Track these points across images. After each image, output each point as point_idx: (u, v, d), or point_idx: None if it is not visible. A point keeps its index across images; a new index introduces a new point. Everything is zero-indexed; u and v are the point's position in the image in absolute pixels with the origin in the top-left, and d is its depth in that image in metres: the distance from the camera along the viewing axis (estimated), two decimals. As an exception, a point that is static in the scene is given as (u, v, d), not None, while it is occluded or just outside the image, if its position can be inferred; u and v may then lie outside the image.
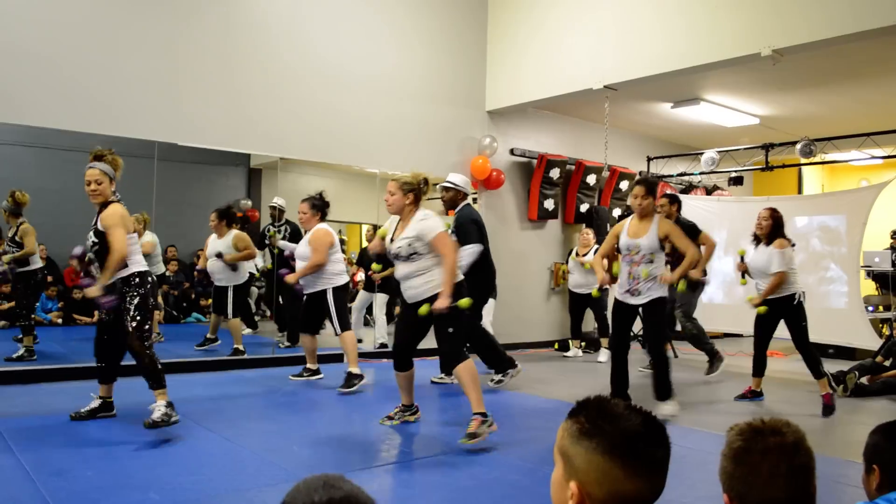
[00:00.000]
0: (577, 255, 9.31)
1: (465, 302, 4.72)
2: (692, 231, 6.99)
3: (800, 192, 13.78)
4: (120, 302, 4.71)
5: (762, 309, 6.27)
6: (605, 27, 8.38)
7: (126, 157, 6.75)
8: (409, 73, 9.29)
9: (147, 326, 4.72)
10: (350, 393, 6.33)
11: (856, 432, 5.57)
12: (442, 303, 4.59)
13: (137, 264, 4.81)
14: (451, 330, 4.73)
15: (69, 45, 6.81)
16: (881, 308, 10.77)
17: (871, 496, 1.97)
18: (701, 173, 10.77)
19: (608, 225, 10.58)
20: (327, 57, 8.50)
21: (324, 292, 6.57)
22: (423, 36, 9.46)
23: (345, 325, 6.58)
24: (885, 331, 10.18)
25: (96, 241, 4.77)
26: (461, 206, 6.77)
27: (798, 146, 9.14)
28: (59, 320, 10.04)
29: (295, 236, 8.80)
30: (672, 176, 11.42)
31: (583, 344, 9.69)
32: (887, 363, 7.34)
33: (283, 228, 8.92)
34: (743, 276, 6.62)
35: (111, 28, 7.05)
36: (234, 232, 7.87)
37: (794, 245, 6.43)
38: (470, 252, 6.45)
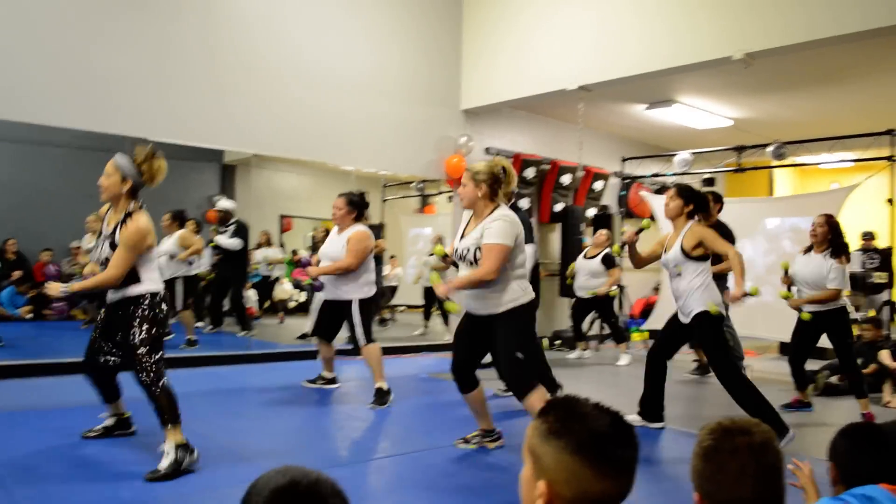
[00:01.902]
0: (584, 257, 9.07)
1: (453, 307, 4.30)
2: (729, 240, 6.32)
3: (771, 193, 13.92)
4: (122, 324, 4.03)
5: (807, 315, 5.86)
6: (580, 28, 8.41)
7: (94, 151, 6.71)
8: (384, 71, 9.26)
9: (159, 357, 3.98)
10: (380, 407, 5.80)
11: (825, 431, 5.62)
12: (443, 289, 4.20)
13: (151, 282, 4.06)
14: (519, 355, 4.18)
15: (40, 39, 6.71)
16: (852, 309, 10.88)
17: (831, 493, 2.02)
18: (674, 174, 10.84)
19: (582, 225, 10.63)
20: (303, 54, 8.46)
21: (349, 303, 5.90)
22: (399, 34, 9.44)
23: (369, 338, 5.91)
24: (856, 331, 10.28)
25: (110, 258, 4.01)
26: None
27: (770, 149, 9.23)
28: (30, 315, 9.93)
29: (240, 233, 8.84)
30: (646, 177, 11.48)
31: (585, 345, 9.44)
32: (859, 362, 7.40)
33: (229, 228, 8.99)
34: (788, 289, 6.14)
35: (84, 23, 6.96)
36: (178, 232, 8.14)
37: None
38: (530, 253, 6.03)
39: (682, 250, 4.95)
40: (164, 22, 7.44)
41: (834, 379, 7.09)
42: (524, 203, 10.69)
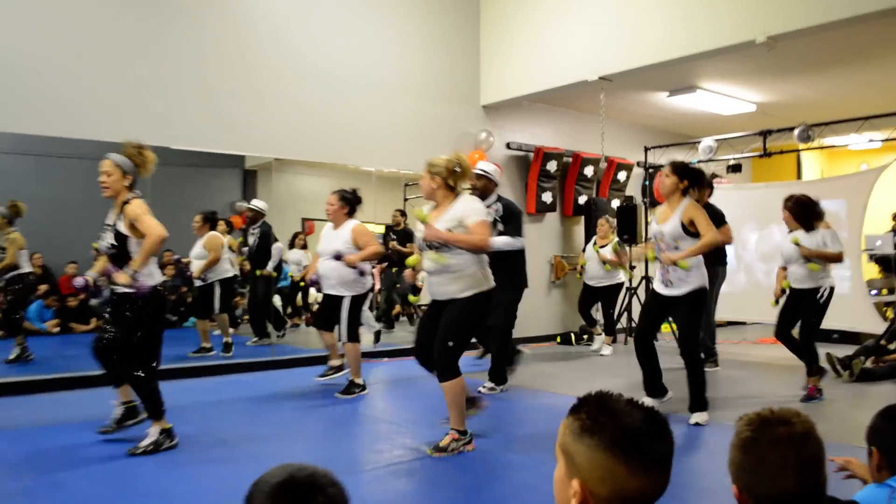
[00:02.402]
0: (594, 244, 9.22)
1: (412, 260, 4.69)
2: (718, 220, 6.76)
3: (799, 177, 13.76)
4: (121, 315, 4.32)
5: (785, 283, 6.23)
6: (599, 18, 8.36)
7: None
8: (403, 70, 9.26)
9: (150, 350, 4.37)
10: (346, 398, 6.18)
11: (863, 417, 5.52)
12: (433, 232, 4.37)
13: (150, 277, 4.36)
14: (451, 344, 4.40)
15: (62, 52, 6.79)
16: (885, 291, 10.75)
17: (873, 479, 1.98)
18: (699, 161, 10.73)
19: (606, 216, 10.56)
20: (320, 56, 8.47)
21: (340, 299, 6.22)
22: (416, 32, 9.43)
23: (352, 336, 6.22)
24: (889, 314, 10.15)
25: (115, 243, 4.36)
26: (496, 196, 6.54)
27: (796, 132, 9.11)
28: (56, 329, 10.02)
29: (265, 238, 8.87)
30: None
31: (599, 331, 9.55)
32: (892, 346, 7.31)
33: (255, 231, 8.98)
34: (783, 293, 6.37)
35: (104, 34, 7.03)
36: (209, 234, 8.18)
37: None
38: (517, 243, 6.38)
39: (682, 224, 5.14)
40: (184, 29, 7.49)
41: (869, 363, 7.00)
42: (547, 197, 10.65)
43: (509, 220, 6.39)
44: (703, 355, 7.33)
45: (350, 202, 6.31)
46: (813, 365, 6.05)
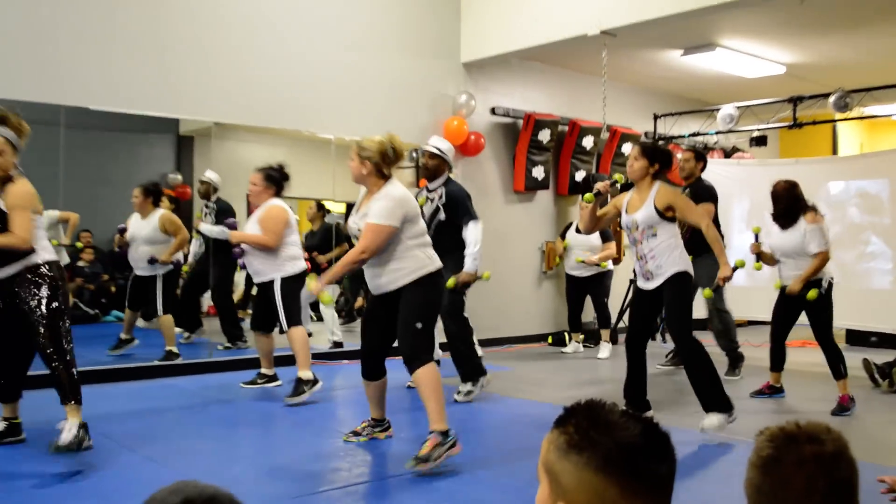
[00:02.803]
0: (577, 230, 9.20)
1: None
2: (707, 196, 7.26)
3: (834, 152, 13.85)
4: (22, 297, 4.52)
5: (814, 293, 6.21)
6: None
7: (28, 124, 6.68)
8: (367, 19, 9.21)
9: (62, 324, 4.56)
10: (298, 403, 6.21)
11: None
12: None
13: (46, 251, 4.63)
14: (419, 325, 4.66)
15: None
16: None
17: None
18: (718, 132, 10.78)
19: (608, 196, 10.55)
20: (271, 3, 8.39)
21: (271, 283, 6.48)
22: (384, -27, 9.38)
23: (292, 320, 6.46)
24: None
25: None
26: (445, 179, 6.65)
27: (831, 99, 9.16)
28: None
29: (223, 216, 8.73)
30: (683, 136, 11.42)
31: (582, 337, 9.71)
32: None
33: (210, 207, 8.85)
34: (758, 260, 6.65)
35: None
36: (160, 212, 7.87)
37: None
38: (480, 231, 6.48)
39: (657, 209, 5.38)
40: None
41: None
42: (538, 172, 10.65)
43: (454, 210, 6.53)
44: (729, 359, 7.66)
45: (277, 181, 6.66)
46: (839, 366, 6.19)
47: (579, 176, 11.11)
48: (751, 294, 9.98)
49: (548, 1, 8.88)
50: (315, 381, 6.41)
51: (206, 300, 9.56)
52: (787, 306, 6.47)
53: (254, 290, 9.18)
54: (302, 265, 6.67)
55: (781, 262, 6.50)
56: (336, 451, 5.04)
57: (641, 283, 5.63)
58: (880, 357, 7.41)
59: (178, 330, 8.65)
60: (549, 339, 10.44)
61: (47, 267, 4.57)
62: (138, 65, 7.55)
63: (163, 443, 5.06)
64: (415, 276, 4.68)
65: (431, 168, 6.65)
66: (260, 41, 8.32)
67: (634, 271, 6.09)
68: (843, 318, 8.44)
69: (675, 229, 5.51)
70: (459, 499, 4.05)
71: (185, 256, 8.71)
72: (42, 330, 4.50)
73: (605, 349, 9.20)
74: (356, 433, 5.14)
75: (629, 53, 10.21)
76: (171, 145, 10.99)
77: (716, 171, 10.21)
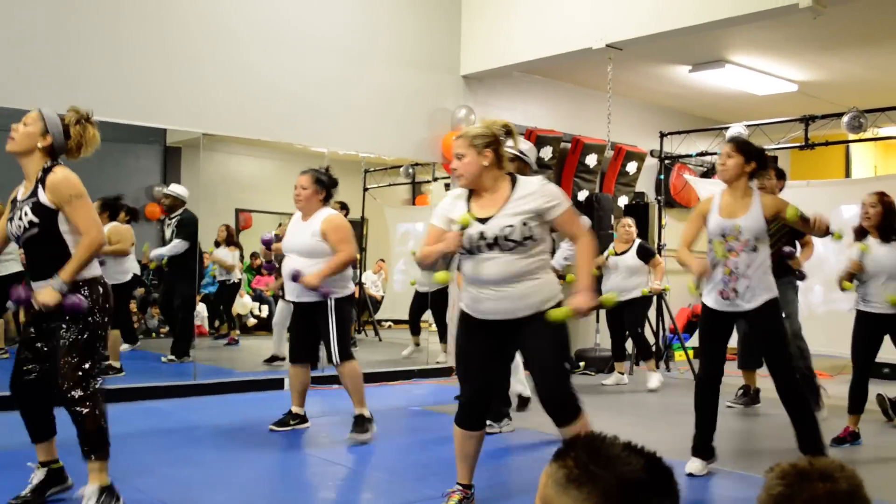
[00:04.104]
0: (615, 252, 9.05)
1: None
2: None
3: (847, 175, 13.88)
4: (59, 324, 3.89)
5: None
6: (608, -29, 8.38)
7: (5, 133, 6.67)
8: (365, 29, 9.22)
9: (90, 367, 3.91)
10: (364, 442, 5.83)
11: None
12: (585, 300, 3.93)
13: (89, 267, 3.97)
14: (568, 366, 4.10)
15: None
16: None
17: None
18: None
19: (611, 216, 10.58)
20: (263, 11, 8.41)
21: (323, 304, 5.82)
22: (383, -17, 9.42)
23: (346, 353, 5.84)
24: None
25: (37, 220, 3.89)
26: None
27: (845, 119, 9.20)
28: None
29: (186, 228, 8.81)
30: (691, 156, 11.46)
31: (581, 364, 9.57)
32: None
33: (173, 220, 8.98)
34: (851, 280, 6.10)
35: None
36: (111, 225, 8.07)
37: None
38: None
39: (766, 220, 4.95)
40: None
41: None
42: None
43: None
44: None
45: (326, 185, 5.98)
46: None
47: (582, 195, 11.10)
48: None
49: (551, 13, 8.89)
50: (372, 419, 5.92)
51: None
52: (871, 335, 6.07)
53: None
54: (353, 286, 6.12)
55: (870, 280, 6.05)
56: (328, 481, 5.02)
57: (717, 304, 5.08)
58: (893, 390, 7.40)
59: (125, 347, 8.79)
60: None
61: (85, 289, 3.92)
62: (125, 73, 7.54)
63: (142, 467, 5.02)
64: (554, 302, 4.02)
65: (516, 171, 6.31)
66: (252, 52, 8.32)
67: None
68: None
69: (768, 248, 5.08)
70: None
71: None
72: (65, 367, 3.85)
73: (654, 379, 8.78)
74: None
75: (635, 68, 10.24)
76: (157, 157, 11.01)
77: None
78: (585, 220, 5.18)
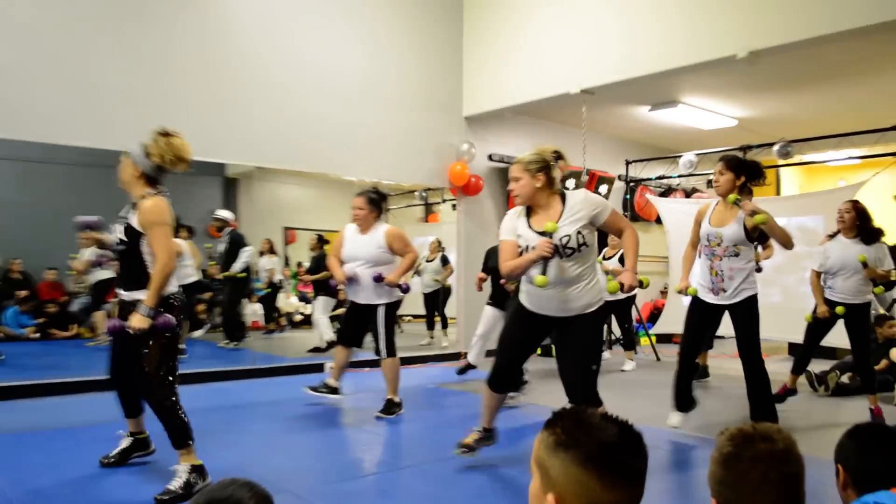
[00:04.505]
0: (603, 258, 8.99)
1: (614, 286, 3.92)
2: None
3: (778, 193, 13.85)
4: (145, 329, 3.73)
5: (840, 309, 5.84)
6: (581, 31, 8.38)
7: (97, 168, 6.73)
8: (386, 79, 9.25)
9: (170, 367, 3.79)
10: (388, 417, 5.76)
11: (837, 432, 5.56)
12: (629, 278, 3.86)
13: (170, 284, 3.84)
14: (594, 367, 3.96)
15: (40, 56, 6.72)
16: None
17: (841, 498, 1.95)
18: (679, 176, 10.80)
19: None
20: (303, 64, 8.44)
21: (376, 307, 5.74)
22: (400, 41, 9.43)
23: (391, 350, 5.77)
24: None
25: (125, 239, 3.82)
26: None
27: (775, 147, 9.19)
28: (37, 335, 9.94)
29: (235, 246, 8.93)
30: (651, 179, 11.44)
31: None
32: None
33: (224, 237, 9.18)
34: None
35: (84, 38, 6.96)
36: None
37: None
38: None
39: (746, 230, 4.85)
40: (163, 35, 7.43)
41: (845, 378, 7.04)
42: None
43: None
44: None
45: (378, 203, 5.85)
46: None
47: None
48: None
49: (536, 64, 8.90)
50: (400, 405, 5.86)
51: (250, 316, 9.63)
52: (825, 319, 5.98)
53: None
54: (401, 293, 5.88)
55: (831, 276, 5.98)
56: (365, 442, 5.01)
57: (707, 297, 5.02)
58: (819, 367, 7.38)
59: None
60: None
61: (169, 300, 3.81)
62: (192, 116, 7.55)
63: (211, 438, 5.01)
64: (597, 305, 3.98)
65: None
66: (294, 99, 8.34)
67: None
68: (787, 333, 8.41)
69: (753, 254, 5.01)
70: (486, 487, 4.01)
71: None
72: (149, 370, 3.75)
73: (629, 364, 8.80)
74: (468, 446, 4.37)
75: (605, 109, 10.23)
76: (219, 186, 11.05)
77: (677, 209, 10.20)
78: None
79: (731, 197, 4.90)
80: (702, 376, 7.67)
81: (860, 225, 5.86)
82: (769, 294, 9.33)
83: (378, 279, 5.60)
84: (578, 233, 3.83)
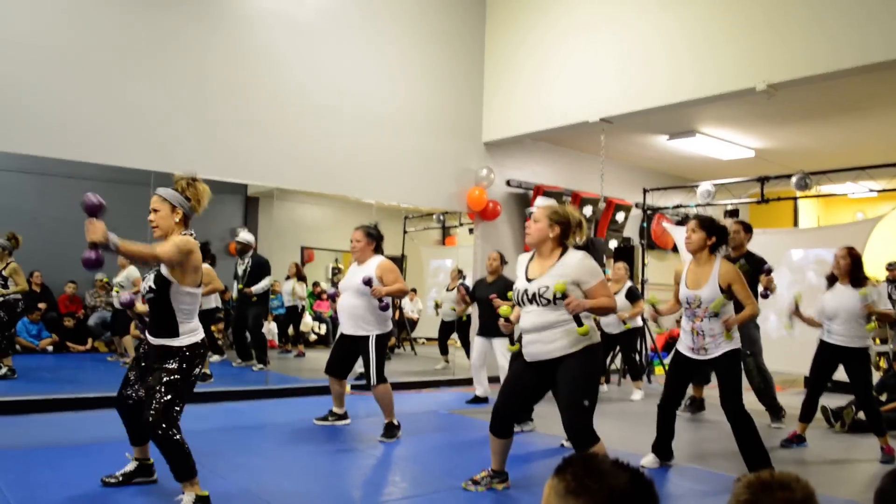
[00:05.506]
0: None
1: (585, 328, 3.97)
2: (759, 266, 6.56)
3: (795, 224, 13.77)
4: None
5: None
6: (602, 60, 8.39)
7: (121, 184, 6.78)
8: (406, 105, 9.28)
9: (173, 402, 3.70)
10: (389, 441, 5.82)
11: (855, 469, 5.49)
12: (574, 303, 3.87)
13: (191, 335, 3.83)
14: (586, 403, 3.98)
15: (68, 75, 6.80)
16: (878, 341, 10.68)
17: None
18: (697, 205, 10.73)
19: (604, 257, 10.51)
20: (322, 89, 8.49)
21: (366, 338, 5.87)
22: (421, 68, 9.47)
23: (381, 378, 5.86)
24: (883, 364, 10.09)
25: (154, 287, 3.80)
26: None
27: (793, 179, 9.12)
28: (50, 347, 9.97)
29: (258, 270, 8.91)
30: (668, 208, 11.39)
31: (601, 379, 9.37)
32: (883, 398, 7.25)
33: (245, 261, 9.11)
34: (790, 322, 6.22)
35: (108, 59, 7.05)
36: (205, 266, 8.09)
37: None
38: None
39: (721, 290, 4.82)
40: (191, 57, 7.51)
41: (861, 415, 6.93)
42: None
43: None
44: (770, 411, 7.04)
45: (376, 238, 6.07)
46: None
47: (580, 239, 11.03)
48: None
49: (556, 92, 8.92)
50: (399, 426, 5.97)
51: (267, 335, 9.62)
52: (827, 361, 6.00)
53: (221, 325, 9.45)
54: (391, 324, 6.06)
55: (829, 321, 5.98)
56: (375, 471, 4.97)
57: (688, 353, 5.01)
58: (834, 402, 7.29)
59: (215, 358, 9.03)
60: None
61: (186, 353, 3.77)
62: (216, 138, 7.63)
63: (221, 458, 4.99)
64: (580, 346, 4.02)
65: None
66: (314, 122, 8.39)
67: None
68: (803, 367, 8.29)
69: (732, 308, 4.93)
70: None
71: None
72: (154, 406, 3.65)
73: (637, 394, 8.73)
74: (475, 482, 4.41)
75: (623, 137, 10.22)
76: (240, 205, 11.11)
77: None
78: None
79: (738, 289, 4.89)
80: (698, 409, 7.66)
81: (852, 272, 5.94)
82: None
83: (368, 282, 5.73)
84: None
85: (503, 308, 4.37)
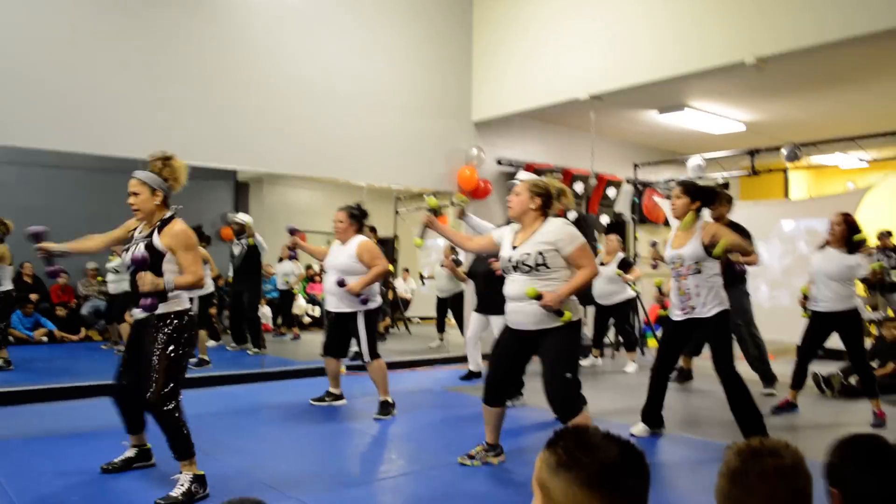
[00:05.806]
0: (600, 263, 8.94)
1: (568, 316, 4.05)
2: (744, 234, 6.48)
3: (786, 196, 13.78)
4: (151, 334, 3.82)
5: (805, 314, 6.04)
6: (591, 37, 8.36)
7: (110, 173, 6.73)
8: (395, 86, 9.24)
9: (175, 380, 3.78)
10: (384, 418, 5.89)
11: (846, 434, 5.52)
12: (550, 298, 3.94)
13: (179, 300, 3.90)
14: (568, 375, 4.08)
15: (53, 64, 6.75)
16: (869, 309, 10.73)
17: None
18: (688, 179, 10.73)
19: (594, 232, 10.53)
20: (312, 72, 8.45)
21: (354, 314, 5.92)
22: (409, 49, 9.42)
23: (374, 353, 5.92)
24: (874, 331, 10.15)
25: (147, 258, 3.79)
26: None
27: (783, 151, 9.12)
28: (45, 338, 9.96)
29: (253, 252, 8.91)
30: (659, 182, 11.39)
31: (598, 353, 9.43)
32: (875, 364, 7.30)
33: (241, 242, 9.05)
34: (806, 310, 6.12)
35: (94, 47, 6.99)
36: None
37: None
38: None
39: (704, 246, 4.91)
40: (176, 43, 7.45)
41: (851, 380, 6.99)
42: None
43: None
44: (763, 379, 7.10)
45: (358, 218, 6.12)
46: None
47: (571, 216, 11.01)
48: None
49: (545, 70, 8.88)
50: (394, 404, 6.02)
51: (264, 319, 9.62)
52: (818, 329, 6.03)
53: (212, 310, 9.44)
54: (380, 300, 6.11)
55: (818, 285, 6.01)
56: (370, 447, 4.99)
57: (678, 316, 5.08)
58: (826, 368, 7.35)
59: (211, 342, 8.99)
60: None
61: (175, 318, 3.83)
62: (204, 125, 7.59)
63: (219, 442, 5.00)
64: (560, 322, 4.09)
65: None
66: (304, 106, 8.35)
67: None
68: (795, 335, 8.34)
69: (718, 267, 5.00)
70: (495, 481, 4.00)
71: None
72: (154, 383, 3.72)
73: (631, 366, 8.79)
74: (470, 457, 4.49)
75: (613, 113, 10.20)
76: (230, 190, 11.09)
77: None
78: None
79: (719, 249, 4.88)
80: (685, 379, 7.73)
81: (848, 237, 5.94)
82: (778, 296, 9.31)
83: (341, 284, 5.79)
84: (539, 253, 4.07)
85: (431, 200, 4.75)
